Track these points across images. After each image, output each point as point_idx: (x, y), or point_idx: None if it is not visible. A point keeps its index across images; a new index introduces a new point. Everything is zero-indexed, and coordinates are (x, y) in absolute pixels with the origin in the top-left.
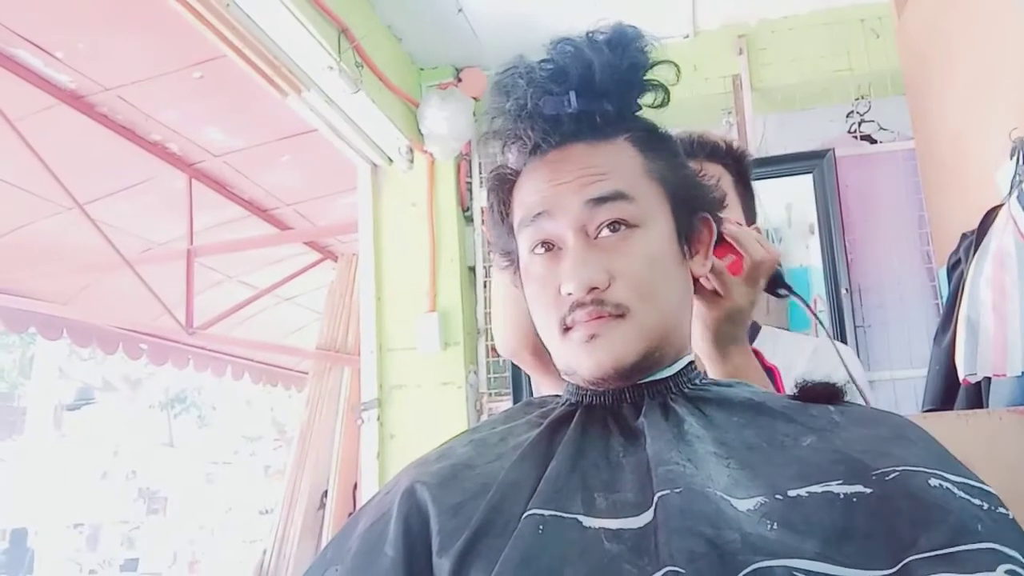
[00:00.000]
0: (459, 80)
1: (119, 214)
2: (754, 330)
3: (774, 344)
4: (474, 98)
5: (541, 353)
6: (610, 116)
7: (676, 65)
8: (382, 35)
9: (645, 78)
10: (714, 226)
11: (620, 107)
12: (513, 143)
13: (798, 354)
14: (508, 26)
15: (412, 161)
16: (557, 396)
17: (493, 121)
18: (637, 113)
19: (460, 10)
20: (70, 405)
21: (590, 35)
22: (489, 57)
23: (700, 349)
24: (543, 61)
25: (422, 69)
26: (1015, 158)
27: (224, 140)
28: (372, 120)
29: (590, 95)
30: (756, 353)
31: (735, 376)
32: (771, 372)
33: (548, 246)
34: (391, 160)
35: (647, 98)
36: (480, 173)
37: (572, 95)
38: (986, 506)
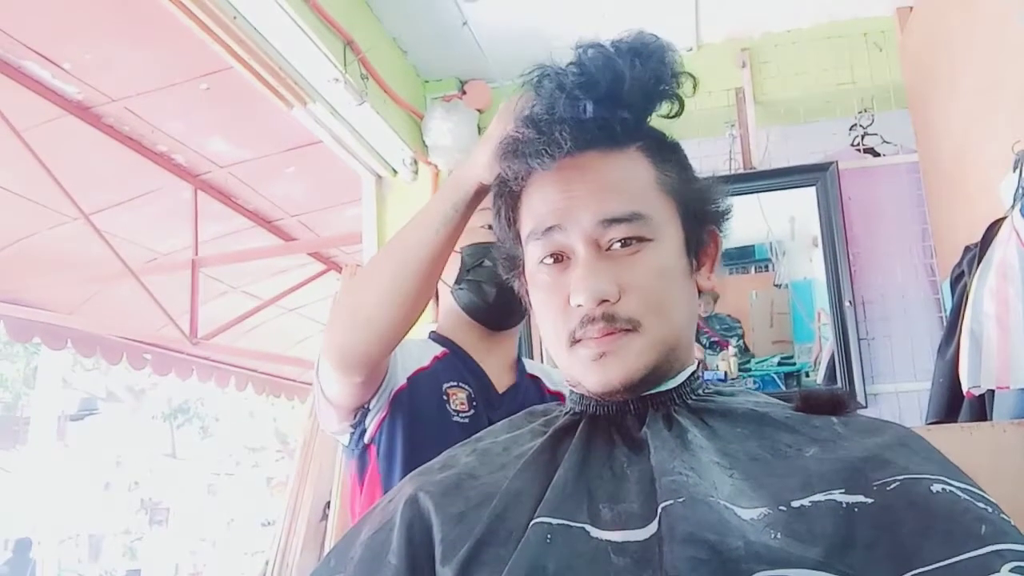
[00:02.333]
0: (463, 92)
1: (125, 224)
2: None
3: None
4: (478, 110)
5: (373, 372)
6: (628, 124)
7: (694, 77)
8: (387, 47)
9: (665, 89)
10: (720, 239)
11: (637, 117)
12: (539, 152)
13: None
14: (513, 39)
15: (416, 172)
16: (560, 404)
17: (518, 124)
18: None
19: (465, 23)
20: (73, 415)
21: (616, 43)
22: (494, 70)
23: None
24: (572, 64)
25: (427, 81)
26: (1018, 170)
27: (230, 151)
28: (377, 132)
29: (614, 105)
30: (540, 382)
31: None
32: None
33: (557, 257)
34: (395, 171)
35: (663, 108)
36: None
37: (590, 103)
38: (989, 509)
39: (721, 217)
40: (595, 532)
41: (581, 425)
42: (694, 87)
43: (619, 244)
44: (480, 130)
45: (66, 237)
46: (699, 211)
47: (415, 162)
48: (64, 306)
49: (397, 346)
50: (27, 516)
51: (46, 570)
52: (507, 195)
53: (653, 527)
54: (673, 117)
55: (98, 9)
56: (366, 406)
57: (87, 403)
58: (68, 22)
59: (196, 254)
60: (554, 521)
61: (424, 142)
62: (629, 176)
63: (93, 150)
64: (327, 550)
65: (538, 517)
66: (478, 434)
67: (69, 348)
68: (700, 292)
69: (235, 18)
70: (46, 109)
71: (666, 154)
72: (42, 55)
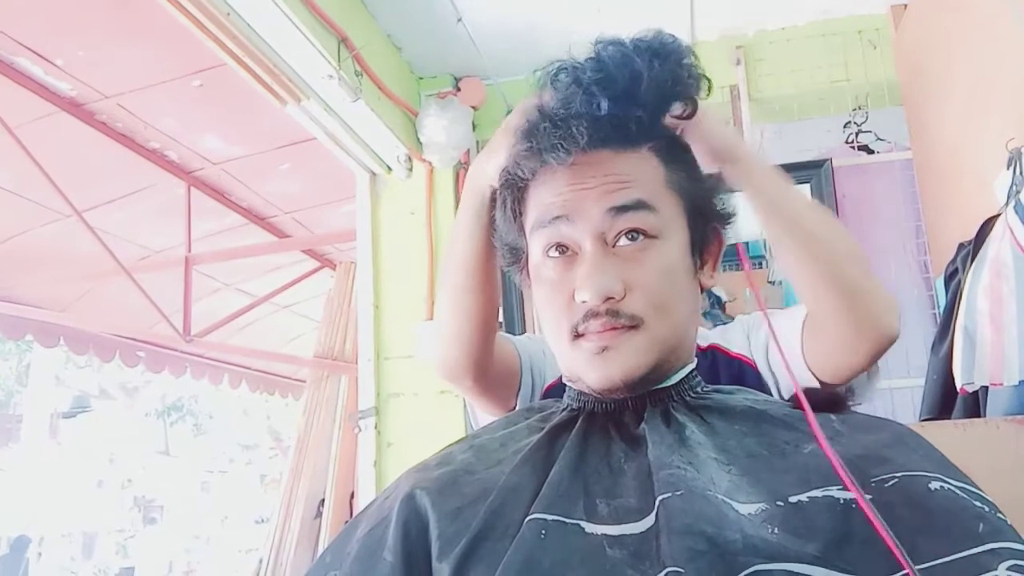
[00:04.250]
0: (458, 89)
1: (117, 221)
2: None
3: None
4: (473, 107)
5: (481, 378)
6: (642, 124)
7: (709, 79)
8: (382, 44)
9: (681, 90)
10: (724, 238)
11: (652, 117)
12: (554, 146)
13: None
14: (507, 36)
15: (411, 170)
16: (557, 400)
17: (532, 118)
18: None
19: (460, 20)
20: (66, 413)
21: (636, 42)
22: (488, 67)
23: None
24: (590, 60)
25: (421, 78)
26: (1012, 168)
27: (223, 148)
28: (371, 129)
29: (630, 103)
30: (717, 348)
31: (755, 173)
32: (741, 360)
33: (562, 249)
34: (390, 169)
35: (676, 109)
36: None
37: (606, 101)
38: (987, 509)
39: (727, 217)
40: (590, 528)
41: (578, 421)
42: (709, 89)
43: (626, 238)
44: (475, 127)
45: (59, 234)
46: (705, 210)
47: (409, 159)
48: (57, 303)
49: (489, 349)
50: (20, 514)
51: (39, 568)
52: (514, 186)
53: (650, 520)
54: (687, 117)
55: (91, 5)
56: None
57: (80, 401)
58: (61, 18)
59: (189, 251)
60: (549, 517)
61: (418, 139)
62: (639, 171)
63: (86, 147)
64: (321, 548)
65: (533, 513)
66: (475, 431)
67: (62, 346)
68: (702, 289)
69: (229, 14)
70: (39, 106)
71: (676, 154)
72: (35, 52)
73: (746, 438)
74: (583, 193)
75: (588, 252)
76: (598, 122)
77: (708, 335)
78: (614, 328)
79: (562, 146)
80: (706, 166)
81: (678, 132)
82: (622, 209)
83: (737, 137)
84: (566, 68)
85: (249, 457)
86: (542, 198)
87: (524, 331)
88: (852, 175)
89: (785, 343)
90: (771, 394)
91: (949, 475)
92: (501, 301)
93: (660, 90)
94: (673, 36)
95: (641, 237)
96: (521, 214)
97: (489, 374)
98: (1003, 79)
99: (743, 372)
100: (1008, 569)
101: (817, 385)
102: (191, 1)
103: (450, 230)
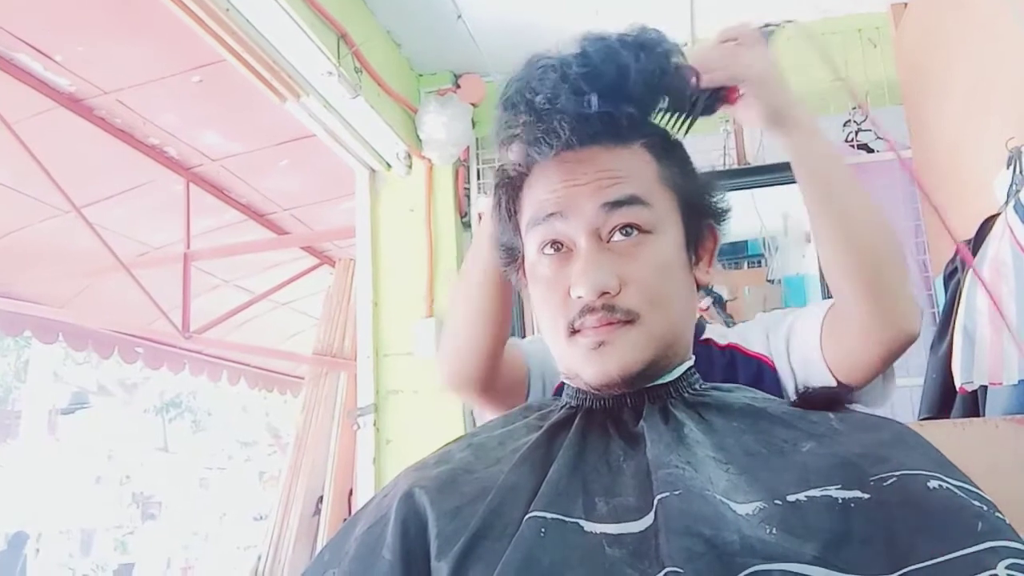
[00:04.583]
0: (458, 86)
1: (116, 217)
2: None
3: (742, 334)
4: (473, 104)
5: (489, 389)
6: (633, 120)
7: (696, 71)
8: (381, 41)
9: (669, 82)
10: (718, 234)
11: (643, 112)
12: (538, 139)
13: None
14: (507, 33)
15: (410, 167)
16: (556, 399)
17: (517, 114)
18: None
19: (459, 17)
20: (65, 409)
21: (621, 37)
22: (488, 64)
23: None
24: (575, 55)
25: (421, 75)
26: (1012, 167)
27: (222, 144)
28: (370, 125)
29: (619, 98)
30: (736, 347)
31: (811, 136)
32: (760, 360)
33: (557, 246)
34: (389, 165)
35: (666, 103)
36: (479, 179)
37: (596, 97)
38: (985, 508)
39: (721, 213)
40: (589, 526)
41: (577, 419)
42: (697, 80)
43: (620, 234)
44: (474, 124)
45: (57, 230)
46: (699, 206)
47: (409, 156)
48: (55, 299)
49: (498, 362)
50: (18, 510)
51: (36, 565)
52: (508, 185)
53: (649, 519)
54: (675, 111)
55: (91, 1)
56: None
57: (78, 397)
58: (60, 14)
59: (188, 247)
60: (548, 515)
61: (418, 136)
62: (632, 167)
63: (85, 143)
64: (320, 545)
65: (532, 511)
66: (473, 429)
67: (60, 342)
68: (698, 286)
69: (228, 10)
70: (38, 101)
71: (668, 150)
72: (34, 47)
73: (744, 435)
74: (576, 189)
75: (583, 248)
76: (588, 118)
77: (727, 334)
78: (610, 323)
79: (544, 140)
80: (758, 126)
81: (739, 91)
82: (616, 204)
83: (799, 102)
84: (552, 63)
85: (248, 454)
86: (536, 196)
87: (524, 335)
88: None
89: (804, 338)
90: (789, 394)
91: (948, 474)
92: None
93: (648, 82)
94: (658, 31)
95: (635, 232)
96: (516, 213)
97: (497, 386)
98: (1003, 79)
99: (761, 372)
100: (1007, 568)
101: (834, 383)
102: None
103: (449, 227)
